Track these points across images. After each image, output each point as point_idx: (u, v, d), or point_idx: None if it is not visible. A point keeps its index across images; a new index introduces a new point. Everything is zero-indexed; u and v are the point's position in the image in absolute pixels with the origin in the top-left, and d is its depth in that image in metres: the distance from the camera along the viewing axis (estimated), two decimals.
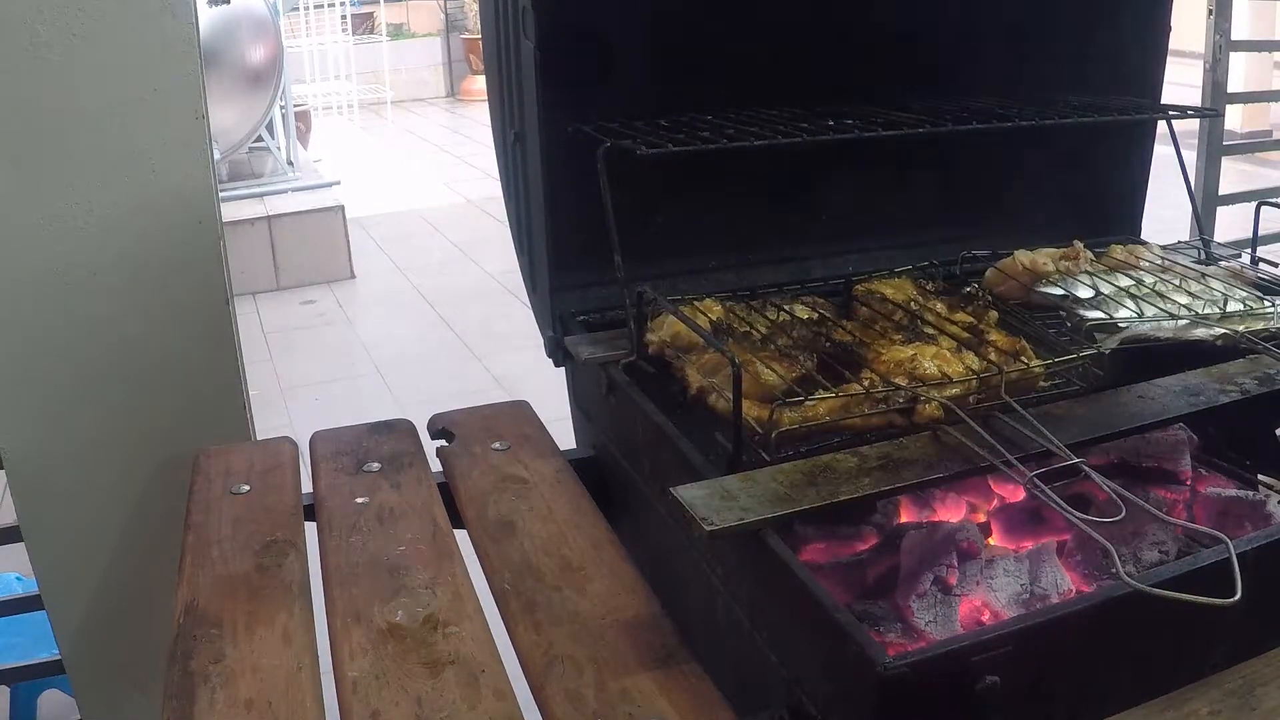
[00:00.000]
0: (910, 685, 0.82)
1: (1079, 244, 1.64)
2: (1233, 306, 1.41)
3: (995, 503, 1.19)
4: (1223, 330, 1.34)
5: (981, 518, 1.16)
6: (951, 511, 1.16)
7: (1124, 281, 1.53)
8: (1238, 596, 0.83)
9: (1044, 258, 1.58)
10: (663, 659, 1.02)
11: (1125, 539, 1.11)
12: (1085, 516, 0.92)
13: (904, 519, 1.13)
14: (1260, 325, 1.37)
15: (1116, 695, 0.95)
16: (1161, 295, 1.46)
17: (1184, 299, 1.45)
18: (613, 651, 1.03)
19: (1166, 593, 0.84)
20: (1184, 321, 1.37)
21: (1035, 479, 0.97)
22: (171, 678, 1.00)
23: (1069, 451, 1.03)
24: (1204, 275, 1.56)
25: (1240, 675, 0.98)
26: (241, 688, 0.99)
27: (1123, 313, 1.41)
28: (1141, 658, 0.95)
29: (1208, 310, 1.40)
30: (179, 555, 1.22)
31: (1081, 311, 1.41)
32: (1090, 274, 1.55)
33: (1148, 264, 1.61)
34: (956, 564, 1.04)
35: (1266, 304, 1.44)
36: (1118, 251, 1.66)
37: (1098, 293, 1.48)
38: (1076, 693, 0.94)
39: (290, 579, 1.16)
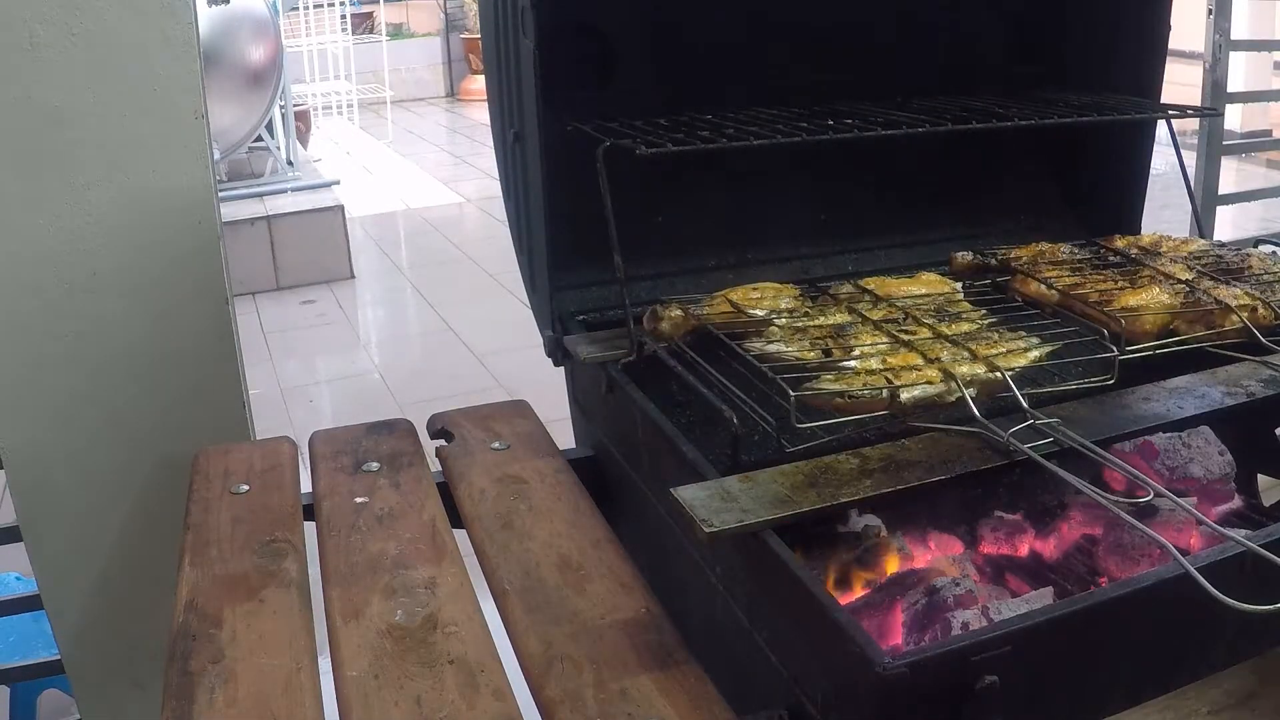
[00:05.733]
0: (910, 685, 0.82)
1: None
2: None
3: (991, 540, 1.19)
4: None
5: (980, 560, 1.16)
6: (950, 549, 1.17)
7: None
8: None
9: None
10: (662, 659, 1.02)
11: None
12: (1112, 497, 0.94)
13: (899, 565, 1.13)
14: None
15: (1116, 695, 0.95)
16: None
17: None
18: (612, 651, 1.03)
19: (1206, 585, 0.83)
20: None
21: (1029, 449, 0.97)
22: (171, 677, 1.00)
23: (1093, 445, 1.03)
24: None
25: (1240, 675, 0.98)
26: (241, 688, 0.99)
27: None
28: (1141, 657, 0.95)
29: None
30: (179, 555, 1.22)
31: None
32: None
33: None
34: (954, 618, 1.04)
35: None
36: None
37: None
38: (1076, 693, 0.94)
39: (290, 578, 1.16)
